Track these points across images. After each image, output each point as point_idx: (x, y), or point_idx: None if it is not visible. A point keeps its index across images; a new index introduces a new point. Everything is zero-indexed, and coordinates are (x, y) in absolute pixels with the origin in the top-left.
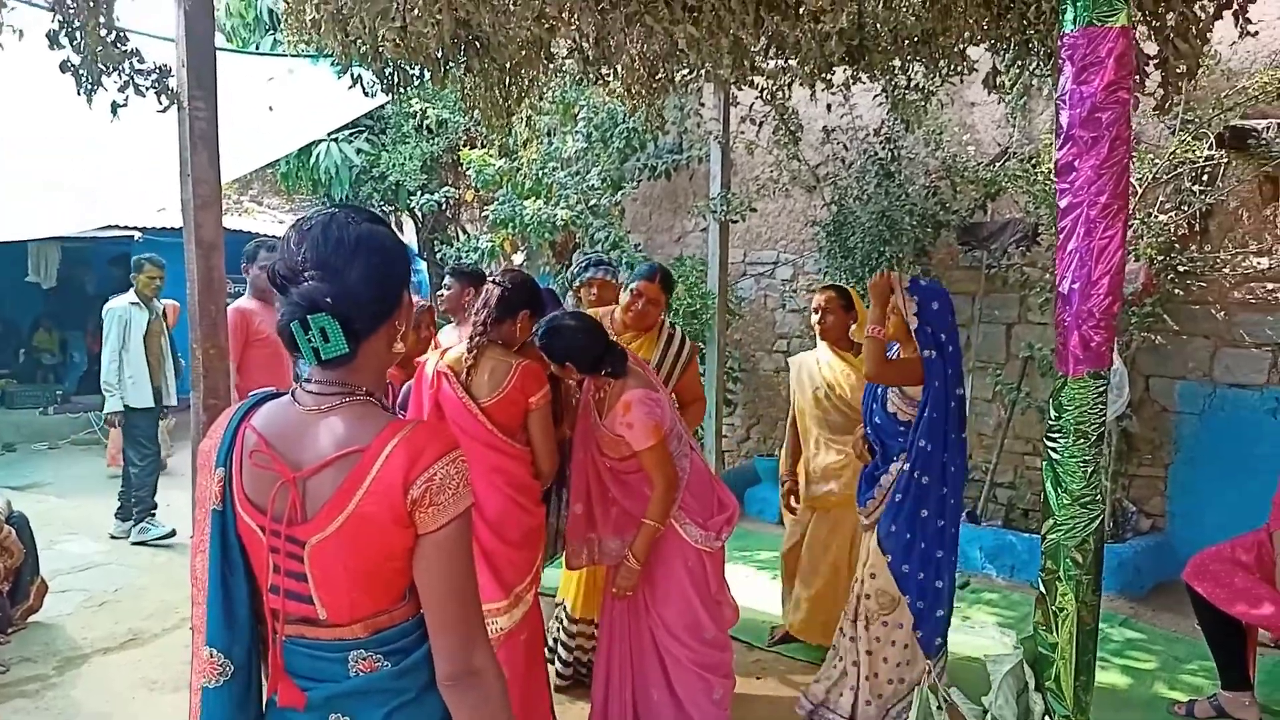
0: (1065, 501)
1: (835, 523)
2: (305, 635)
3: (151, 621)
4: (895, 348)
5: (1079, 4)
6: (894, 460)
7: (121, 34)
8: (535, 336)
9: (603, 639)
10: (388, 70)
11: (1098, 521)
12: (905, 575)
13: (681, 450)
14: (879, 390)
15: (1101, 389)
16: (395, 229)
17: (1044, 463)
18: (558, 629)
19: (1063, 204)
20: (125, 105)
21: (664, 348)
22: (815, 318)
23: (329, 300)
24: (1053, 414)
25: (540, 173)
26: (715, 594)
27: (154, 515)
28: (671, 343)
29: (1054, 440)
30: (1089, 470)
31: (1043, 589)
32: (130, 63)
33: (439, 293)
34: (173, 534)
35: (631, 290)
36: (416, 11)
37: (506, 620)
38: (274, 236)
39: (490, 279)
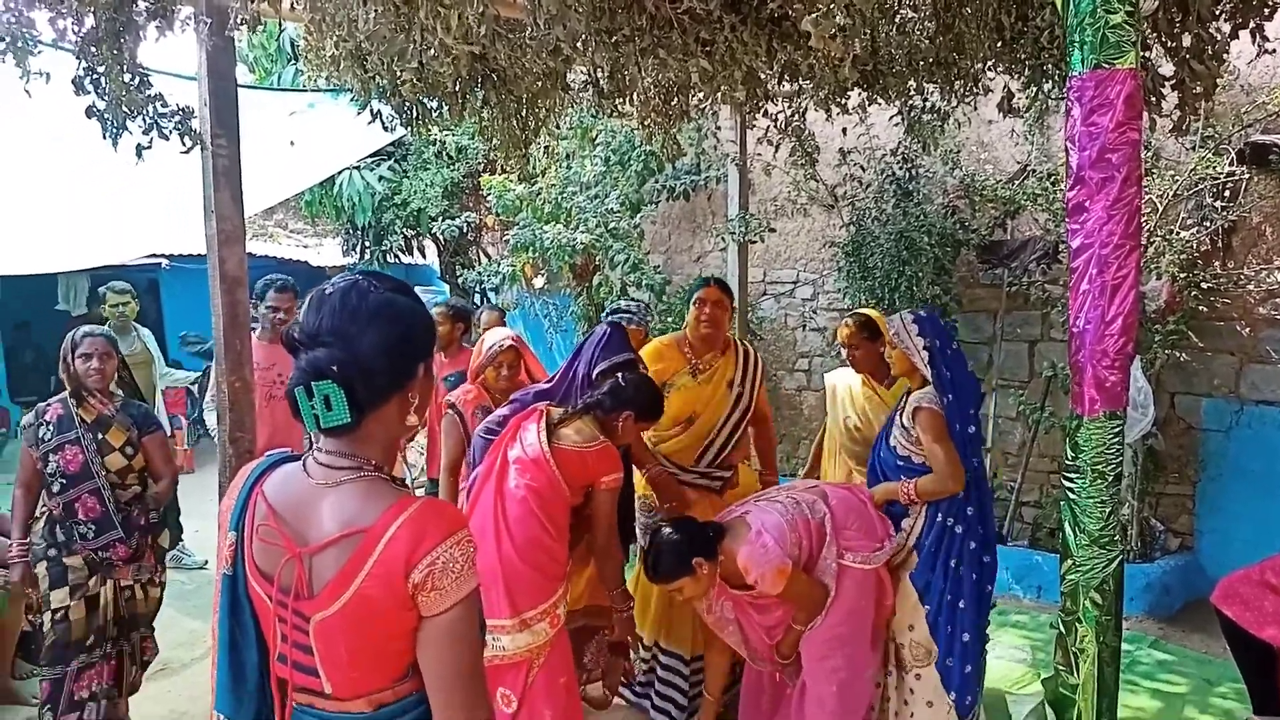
0: (1084, 542)
1: None
2: (315, 705)
3: (180, 651)
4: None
5: (1085, 46)
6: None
7: (145, 78)
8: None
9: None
10: (406, 105)
11: (1117, 562)
12: (935, 627)
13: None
14: (890, 422)
15: (1118, 429)
16: (418, 253)
17: (1062, 502)
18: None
19: (1075, 244)
20: (150, 148)
21: (743, 366)
22: (844, 353)
23: (335, 368)
24: (1069, 454)
25: (560, 197)
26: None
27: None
28: (749, 360)
29: (1071, 480)
30: (1107, 510)
31: (1062, 629)
32: (154, 106)
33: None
34: (205, 565)
35: (695, 302)
36: (433, 51)
37: (509, 641)
38: (284, 276)
39: (617, 371)
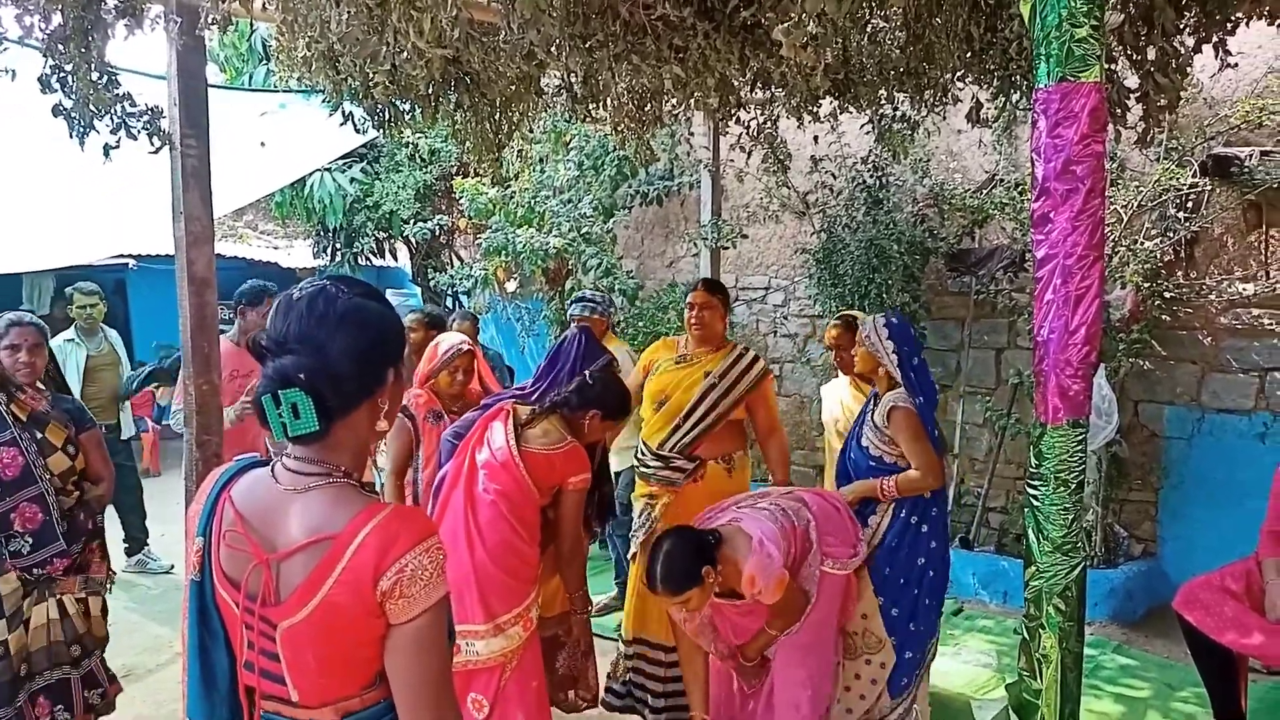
0: (1047, 549)
1: None
2: (282, 713)
3: (145, 656)
4: (871, 397)
5: (1051, 60)
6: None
7: (113, 76)
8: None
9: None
10: (378, 108)
11: (1080, 569)
12: (895, 619)
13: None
14: (859, 424)
15: (1081, 437)
16: (390, 256)
17: (1025, 509)
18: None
19: (1039, 255)
20: (117, 147)
21: (730, 363)
22: (831, 355)
23: (302, 376)
24: (1033, 462)
25: (532, 201)
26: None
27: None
28: (739, 360)
29: (1035, 488)
30: (1070, 518)
31: (1026, 635)
32: (122, 105)
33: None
34: (170, 569)
35: (687, 305)
36: (406, 54)
37: (483, 646)
38: (272, 283)
39: (587, 369)
